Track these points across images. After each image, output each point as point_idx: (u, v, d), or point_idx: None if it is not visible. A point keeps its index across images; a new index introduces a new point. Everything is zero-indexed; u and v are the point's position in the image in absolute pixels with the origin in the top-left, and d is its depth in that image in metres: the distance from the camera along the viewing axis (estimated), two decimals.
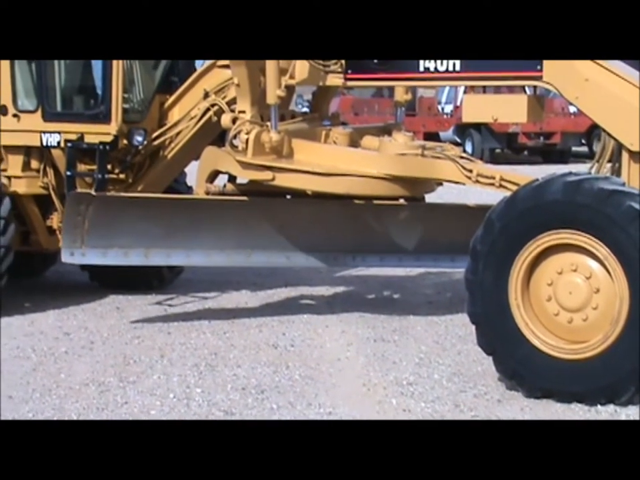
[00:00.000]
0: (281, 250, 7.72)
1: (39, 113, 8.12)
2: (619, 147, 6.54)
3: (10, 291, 8.07)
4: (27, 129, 8.14)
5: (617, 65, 6.35)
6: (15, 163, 8.31)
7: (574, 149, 25.75)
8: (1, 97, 8.17)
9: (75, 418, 5.57)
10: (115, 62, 7.87)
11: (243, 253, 7.67)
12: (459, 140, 24.72)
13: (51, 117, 8.11)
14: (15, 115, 8.17)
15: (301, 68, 7.08)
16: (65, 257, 7.30)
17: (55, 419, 5.55)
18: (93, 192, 7.50)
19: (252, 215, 7.59)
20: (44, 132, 8.09)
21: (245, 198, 7.61)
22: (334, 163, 7.22)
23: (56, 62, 8.18)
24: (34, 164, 8.34)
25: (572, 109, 23.03)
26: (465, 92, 19.92)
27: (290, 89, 7.44)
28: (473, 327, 6.15)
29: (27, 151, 8.31)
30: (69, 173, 8.00)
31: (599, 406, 5.71)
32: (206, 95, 8.05)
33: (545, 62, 6.44)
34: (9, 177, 8.29)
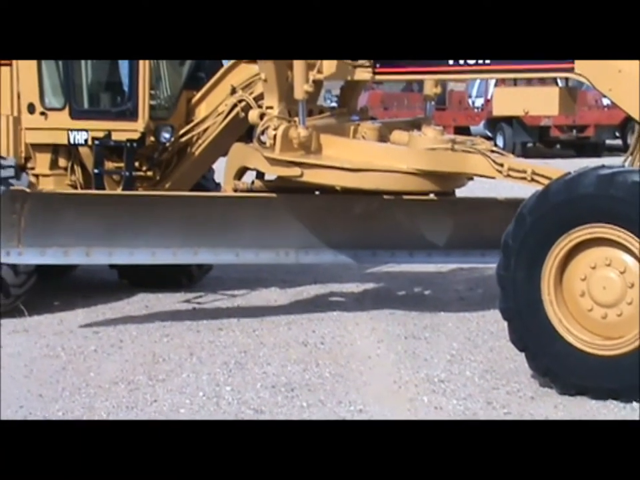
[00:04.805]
0: (229, 247, 7.59)
1: (66, 110, 8.16)
2: None
3: (39, 289, 8.12)
4: (55, 126, 8.18)
5: None
6: (42, 161, 8.36)
7: (608, 142, 25.58)
8: (28, 95, 8.22)
9: (104, 416, 5.60)
10: None
11: (189, 251, 7.54)
12: (489, 134, 24.62)
13: (78, 115, 8.14)
14: (42, 113, 8.22)
15: (329, 62, 7.07)
16: (1, 257, 7.16)
17: (85, 417, 5.58)
18: (27, 189, 7.43)
19: (198, 212, 7.50)
20: (71, 130, 8.12)
21: (191, 194, 7.59)
22: (363, 158, 7.21)
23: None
24: (61, 162, 8.39)
25: (605, 101, 22.86)
26: (495, 85, 19.85)
27: (318, 84, 7.42)
28: (505, 323, 6.12)
29: (55, 149, 8.35)
30: (96, 171, 8.04)
31: (634, 403, 5.66)
32: (233, 91, 8.06)
33: None
34: (36, 175, 8.34)
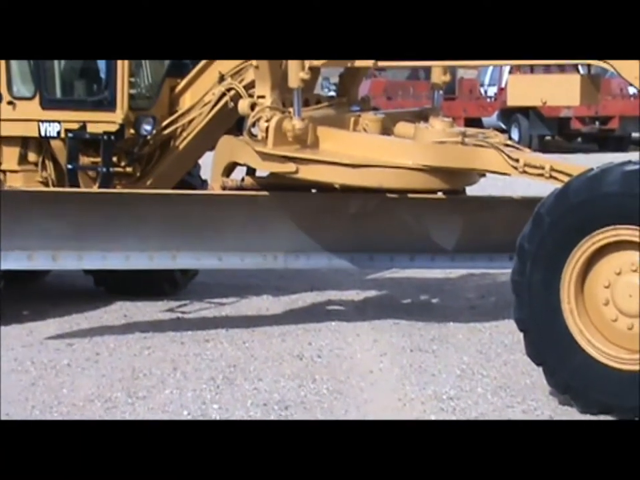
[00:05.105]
0: (212, 250, 7.59)
1: (37, 99, 8.15)
2: None
3: (7, 297, 8.11)
4: (24, 117, 8.17)
5: None
6: (10, 156, 8.35)
7: (634, 134, 25.62)
8: None
9: None
10: None
11: (167, 255, 7.51)
12: (503, 126, 24.69)
13: (50, 105, 8.14)
14: (10, 103, 8.21)
15: None
16: None
17: None
18: None
19: (177, 211, 7.48)
20: (42, 121, 8.12)
21: (169, 192, 7.60)
22: (364, 152, 7.22)
23: None
24: (31, 156, 8.38)
25: (631, 90, 22.90)
26: (510, 72, 19.90)
27: (314, 71, 7.44)
28: (521, 335, 6.15)
29: (24, 142, 8.34)
30: (70, 167, 8.04)
31: None
32: (221, 79, 8.05)
33: None
34: (4, 171, 8.34)
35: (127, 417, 5.94)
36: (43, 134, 8.16)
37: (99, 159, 8.08)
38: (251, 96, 7.50)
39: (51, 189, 8.01)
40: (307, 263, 7.88)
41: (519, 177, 6.99)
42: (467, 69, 25.03)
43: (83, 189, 7.95)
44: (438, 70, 8.23)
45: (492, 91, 26.83)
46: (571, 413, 5.93)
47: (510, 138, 19.30)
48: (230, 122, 8.28)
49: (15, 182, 8.31)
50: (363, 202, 7.71)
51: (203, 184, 8.83)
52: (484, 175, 7.68)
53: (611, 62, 6.44)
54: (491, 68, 25.55)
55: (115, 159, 8.18)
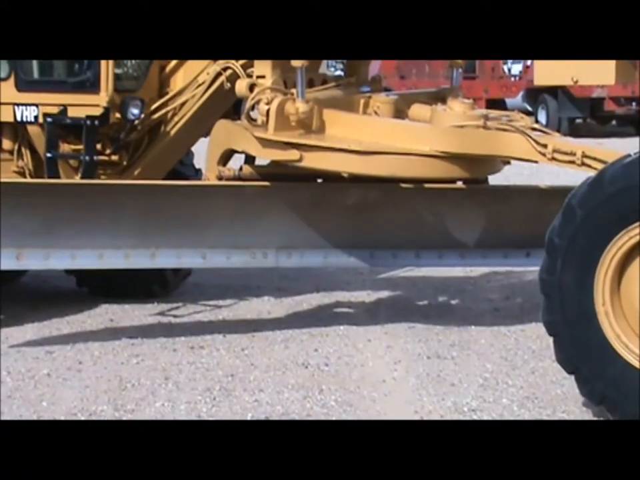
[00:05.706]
0: (195, 247, 7.58)
1: (12, 80, 8.14)
2: None
3: None
4: None
5: None
6: None
7: None
8: None
9: None
10: None
11: (145, 253, 7.48)
12: (529, 108, 24.70)
13: (27, 86, 8.14)
14: None
15: None
16: None
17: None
18: None
19: (156, 204, 7.46)
20: (18, 104, 8.11)
21: (148, 182, 7.61)
22: (375, 138, 7.24)
23: None
24: (6, 144, 8.38)
25: None
26: None
27: None
28: (550, 340, 6.14)
29: None
30: (49, 155, 8.03)
31: None
32: None
33: None
34: None
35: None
36: (18, 119, 8.15)
37: (81, 147, 8.06)
38: (249, 76, 7.48)
39: (13, 179, 7.98)
40: (300, 260, 7.86)
41: (547, 164, 7.00)
42: None
43: (48, 180, 7.90)
44: None
45: (516, 69, 26.84)
46: None
47: (537, 121, 19.37)
48: (226, 105, 8.30)
49: None
50: (363, 192, 7.69)
51: (197, 173, 8.85)
52: (508, 163, 7.69)
53: None
54: None
55: (98, 146, 8.17)
